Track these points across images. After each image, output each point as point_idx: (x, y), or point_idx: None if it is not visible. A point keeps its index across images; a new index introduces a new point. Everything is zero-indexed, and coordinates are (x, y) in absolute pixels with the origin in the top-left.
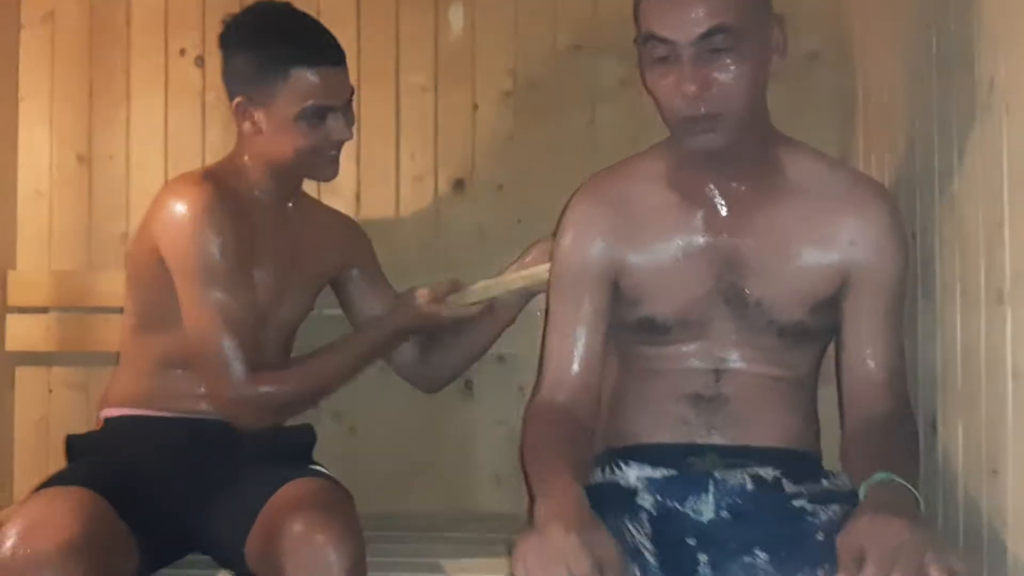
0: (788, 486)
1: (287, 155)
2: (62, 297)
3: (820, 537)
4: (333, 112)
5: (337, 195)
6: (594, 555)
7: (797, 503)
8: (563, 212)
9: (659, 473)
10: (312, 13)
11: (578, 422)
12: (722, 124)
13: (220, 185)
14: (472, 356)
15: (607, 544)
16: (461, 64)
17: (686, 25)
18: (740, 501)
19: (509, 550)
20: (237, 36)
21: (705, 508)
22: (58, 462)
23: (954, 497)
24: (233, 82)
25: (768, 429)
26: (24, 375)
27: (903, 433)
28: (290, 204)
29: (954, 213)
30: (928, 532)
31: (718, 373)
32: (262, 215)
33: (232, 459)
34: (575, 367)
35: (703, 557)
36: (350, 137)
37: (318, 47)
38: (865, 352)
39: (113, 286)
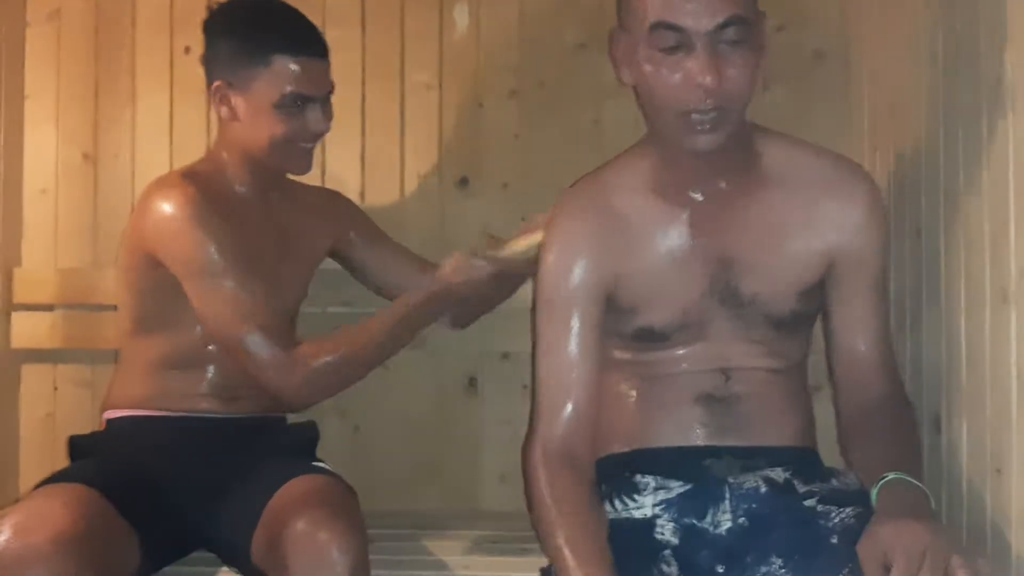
0: (799, 486)
1: (262, 143)
2: (67, 295)
3: (835, 540)
4: (312, 103)
5: (342, 192)
6: None
7: (808, 503)
8: (550, 220)
9: (674, 492)
10: (317, 11)
11: (582, 475)
12: (725, 121)
13: (200, 184)
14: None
15: None
16: (466, 62)
17: (703, 13)
18: (756, 506)
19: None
20: (222, 22)
21: (723, 518)
22: (64, 459)
23: (958, 496)
24: (214, 67)
25: (777, 427)
26: (30, 372)
27: (901, 416)
28: (272, 195)
29: (959, 212)
30: (949, 533)
31: (726, 372)
32: (245, 210)
33: (235, 457)
34: (571, 397)
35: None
36: (327, 130)
37: (302, 37)
38: (855, 334)
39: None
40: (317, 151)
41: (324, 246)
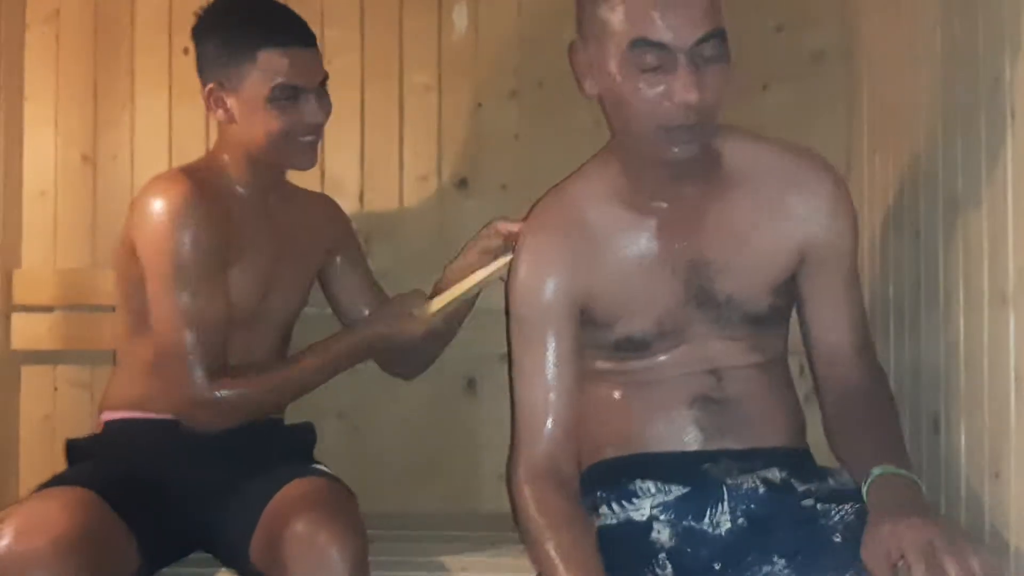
0: (797, 486)
1: (260, 140)
2: (67, 296)
3: (838, 539)
4: (305, 94)
5: (341, 194)
6: None
7: (807, 503)
8: (520, 235)
9: (672, 495)
10: (316, 12)
11: (567, 490)
12: (703, 133)
13: (198, 182)
14: (437, 352)
15: None
16: (465, 63)
17: (685, 28)
18: (755, 506)
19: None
20: (207, 24)
21: (723, 519)
22: (63, 461)
23: (957, 499)
24: (205, 70)
25: (771, 428)
26: (29, 373)
27: (880, 402)
28: (271, 196)
29: (958, 214)
30: (948, 522)
31: (716, 373)
32: (243, 210)
33: (233, 459)
34: (551, 414)
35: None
36: (324, 120)
37: (286, 28)
38: (831, 326)
39: None
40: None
41: (319, 255)
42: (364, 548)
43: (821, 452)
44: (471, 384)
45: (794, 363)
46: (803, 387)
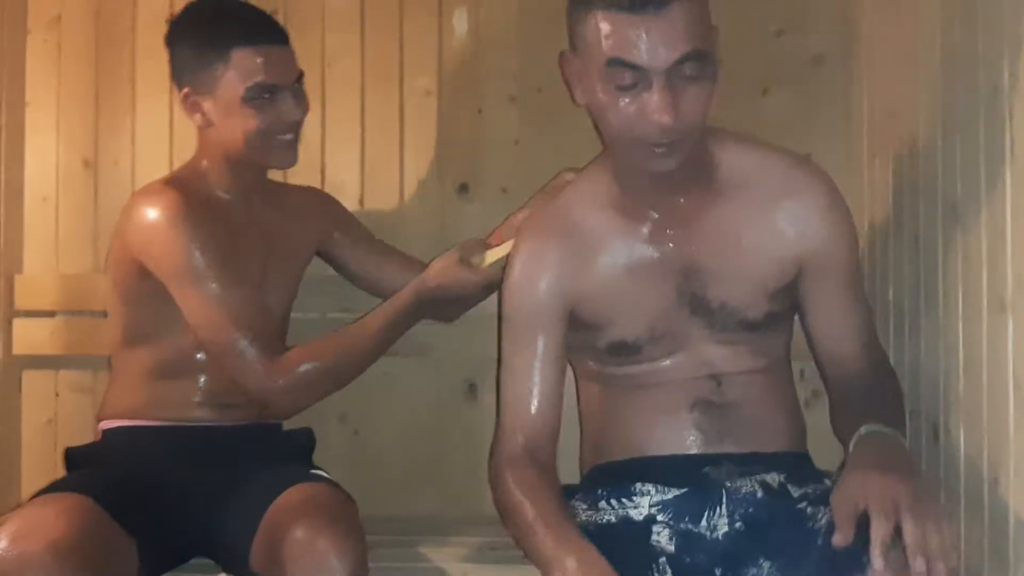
0: (794, 491)
1: (238, 141)
2: (69, 301)
3: (821, 542)
4: (280, 92)
5: (341, 197)
6: None
7: (801, 506)
8: (515, 241)
9: (671, 494)
10: (317, 17)
11: (545, 471)
12: (680, 148)
13: (184, 190)
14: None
15: None
16: (465, 68)
17: (660, 51)
18: (753, 510)
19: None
20: (179, 29)
21: (720, 522)
22: (64, 468)
23: (955, 505)
24: (179, 75)
25: (772, 432)
26: (31, 378)
27: (885, 387)
28: (255, 199)
29: (957, 220)
30: (920, 483)
31: (716, 377)
32: (228, 214)
33: (232, 465)
34: (532, 411)
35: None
36: (300, 117)
37: (256, 27)
38: (836, 334)
39: None
40: (316, 156)
41: (310, 247)
42: (363, 554)
43: (820, 456)
44: (472, 388)
45: (795, 368)
46: (803, 392)
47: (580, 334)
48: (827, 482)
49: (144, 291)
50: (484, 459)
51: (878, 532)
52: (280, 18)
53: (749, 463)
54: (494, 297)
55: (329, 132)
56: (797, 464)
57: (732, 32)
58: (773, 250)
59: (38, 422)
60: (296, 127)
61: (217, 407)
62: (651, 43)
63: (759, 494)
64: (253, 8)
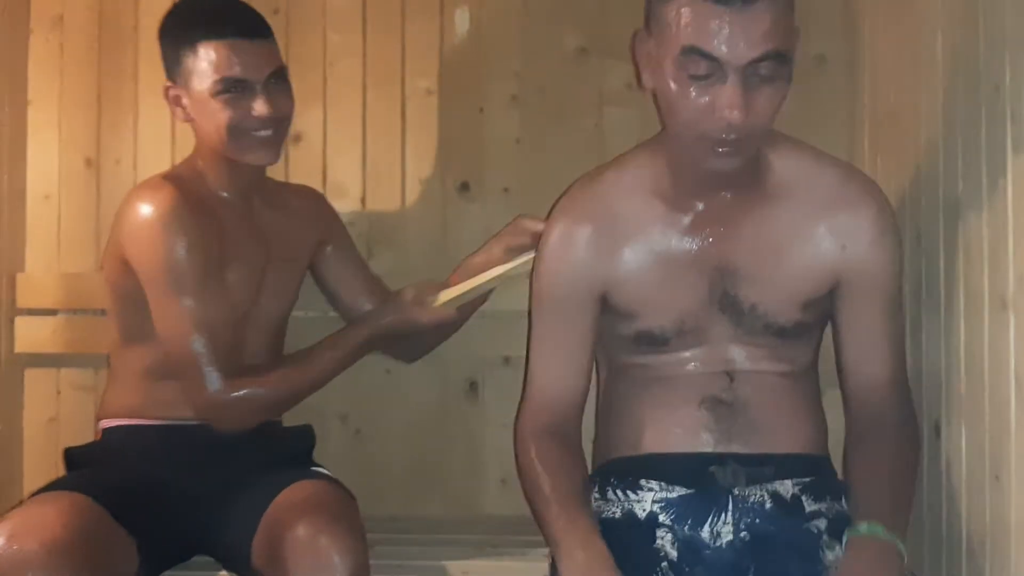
0: (808, 504)
1: (214, 136)
2: (70, 299)
3: None
4: (251, 86)
5: (343, 198)
6: None
7: (814, 526)
8: (548, 218)
9: (676, 493)
10: (318, 17)
11: (570, 447)
12: (746, 146)
13: (182, 187)
14: (440, 341)
15: None
16: (467, 68)
17: (740, 46)
18: (760, 522)
19: None
20: (163, 24)
21: (724, 530)
22: (64, 467)
23: (957, 503)
24: (166, 71)
25: (786, 434)
26: (33, 377)
27: (902, 437)
28: (255, 199)
29: (958, 218)
30: None
31: (730, 374)
32: (228, 213)
33: (232, 463)
34: (560, 389)
35: None
36: (273, 114)
37: (224, 20)
38: (866, 354)
39: None
40: (318, 156)
41: (309, 248)
42: (364, 551)
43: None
44: (473, 387)
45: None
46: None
47: (609, 319)
48: (844, 501)
49: (135, 288)
50: (485, 458)
51: None
52: (282, 18)
53: (759, 465)
54: (497, 295)
55: (331, 132)
56: (814, 469)
57: None
58: (812, 260)
59: (40, 420)
60: (273, 123)
61: None
62: (732, 36)
63: (768, 505)
64: (232, 3)
